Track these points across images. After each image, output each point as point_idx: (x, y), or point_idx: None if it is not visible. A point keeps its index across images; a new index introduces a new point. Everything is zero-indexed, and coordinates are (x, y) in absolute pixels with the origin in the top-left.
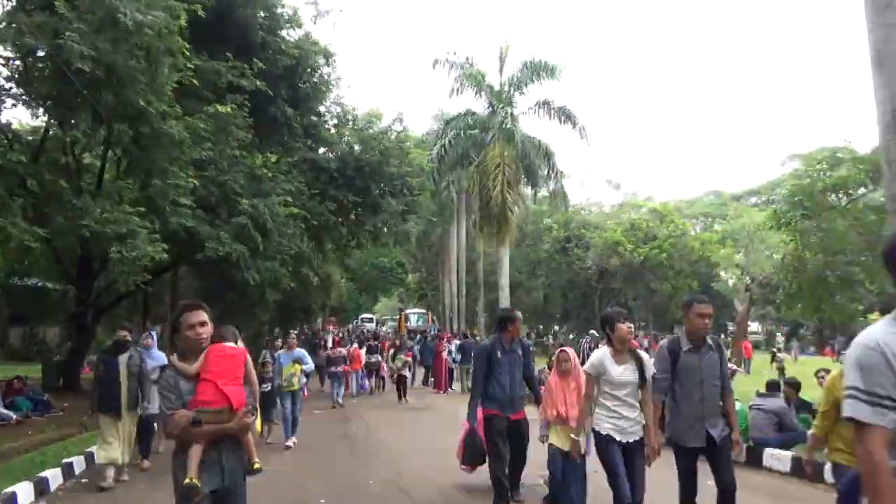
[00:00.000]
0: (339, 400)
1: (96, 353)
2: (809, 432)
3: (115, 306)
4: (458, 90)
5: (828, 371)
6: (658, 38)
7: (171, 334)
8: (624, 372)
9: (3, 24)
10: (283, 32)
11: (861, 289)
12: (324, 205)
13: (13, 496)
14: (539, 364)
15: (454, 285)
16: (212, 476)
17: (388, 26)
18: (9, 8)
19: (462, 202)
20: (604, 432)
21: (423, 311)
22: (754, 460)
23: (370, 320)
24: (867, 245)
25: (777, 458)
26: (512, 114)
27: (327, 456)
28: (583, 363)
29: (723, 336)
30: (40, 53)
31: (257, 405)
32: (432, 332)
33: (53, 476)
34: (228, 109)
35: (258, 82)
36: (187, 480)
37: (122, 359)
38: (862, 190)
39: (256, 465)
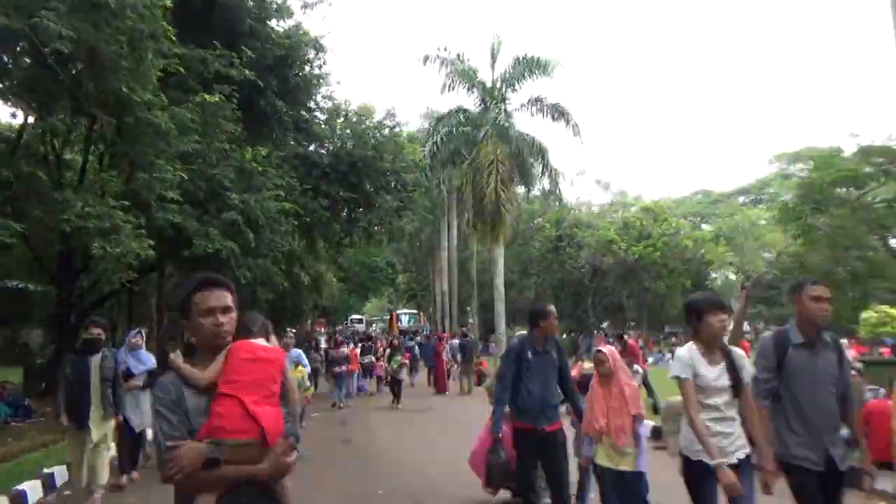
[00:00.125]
0: (342, 400)
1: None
2: None
3: (100, 307)
4: (449, 86)
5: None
6: (639, 37)
7: (166, 332)
8: (720, 375)
9: None
10: (273, 22)
11: (870, 284)
12: (316, 201)
13: None
14: None
15: (445, 285)
16: None
17: (377, 22)
18: None
19: (453, 200)
20: (695, 457)
21: (415, 311)
22: None
23: (359, 321)
24: (879, 239)
25: None
26: (506, 110)
27: (331, 464)
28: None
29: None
30: (17, 38)
31: (299, 435)
32: (424, 333)
33: (32, 488)
34: (217, 99)
35: (247, 72)
36: None
37: (94, 361)
38: (873, 184)
39: None
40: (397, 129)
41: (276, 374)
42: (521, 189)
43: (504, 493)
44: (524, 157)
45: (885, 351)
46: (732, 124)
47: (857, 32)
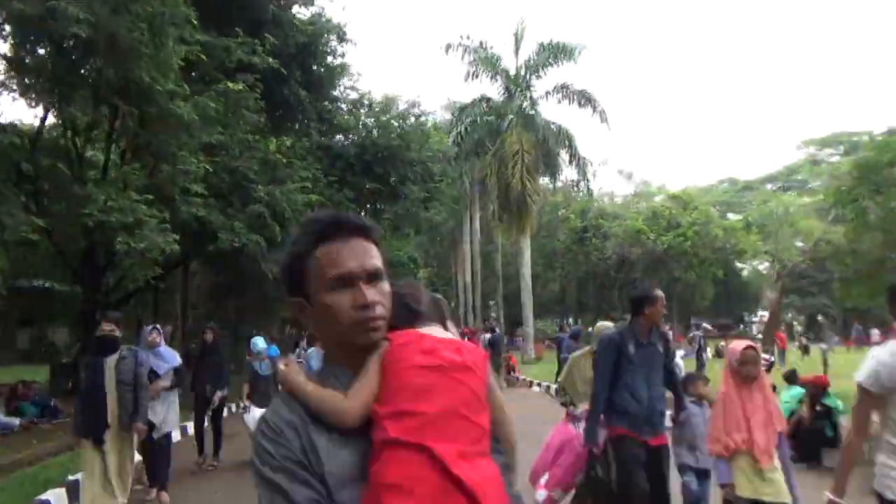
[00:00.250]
0: None
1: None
2: None
3: (125, 304)
4: (472, 74)
5: None
6: (664, 24)
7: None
8: None
9: None
10: (295, 9)
11: None
12: (342, 193)
13: None
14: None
15: (468, 278)
16: None
17: (397, 11)
18: None
19: (476, 192)
20: (893, 496)
21: None
22: None
23: None
24: None
25: None
26: (531, 98)
27: None
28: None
29: (743, 328)
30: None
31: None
32: None
33: (57, 498)
34: (240, 87)
35: (270, 60)
36: None
37: (110, 361)
38: None
39: None
40: (423, 119)
41: (480, 394)
42: (545, 180)
43: None
44: (550, 145)
45: None
46: (755, 111)
47: (888, 14)
